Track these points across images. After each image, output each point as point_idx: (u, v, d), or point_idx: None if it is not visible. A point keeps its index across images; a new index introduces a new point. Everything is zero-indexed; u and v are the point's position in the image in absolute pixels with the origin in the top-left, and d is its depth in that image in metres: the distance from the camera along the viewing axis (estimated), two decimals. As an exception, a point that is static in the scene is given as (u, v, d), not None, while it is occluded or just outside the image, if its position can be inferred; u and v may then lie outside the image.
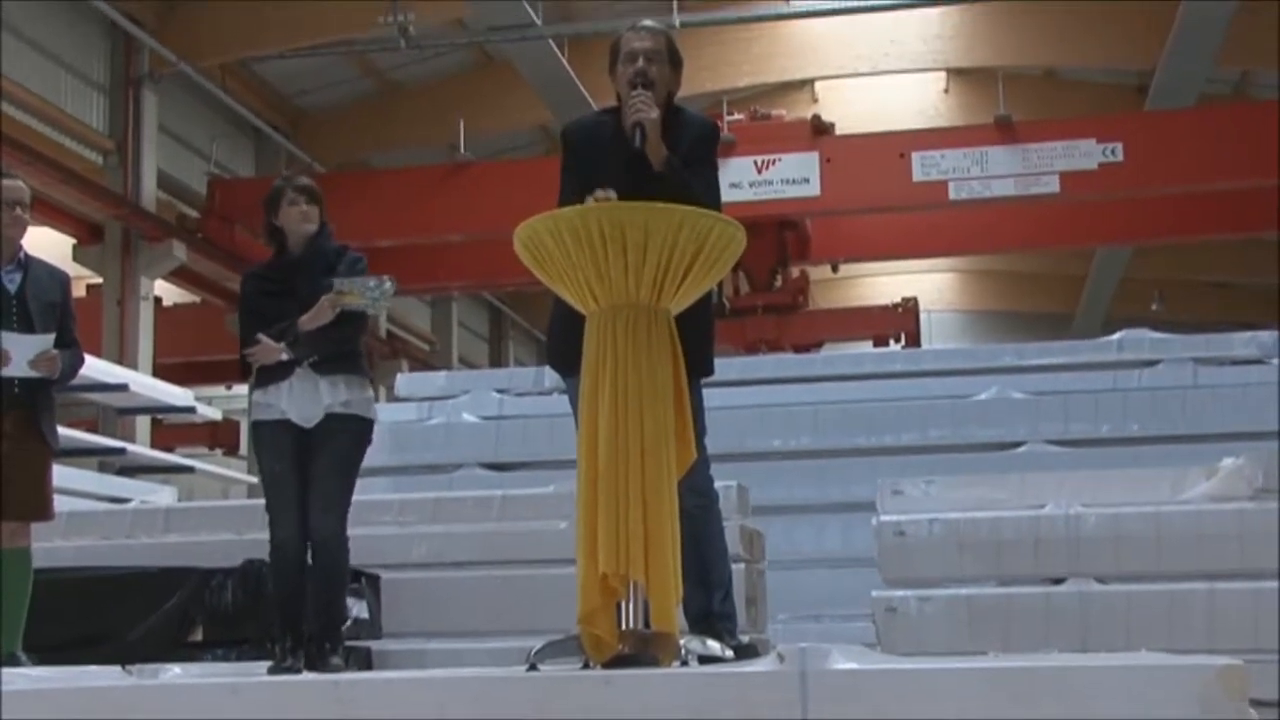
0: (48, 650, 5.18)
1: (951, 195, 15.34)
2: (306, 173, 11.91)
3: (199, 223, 16.52)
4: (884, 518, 5.79)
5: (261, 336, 5.00)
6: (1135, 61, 17.55)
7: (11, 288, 5.13)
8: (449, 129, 17.36)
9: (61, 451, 5.47)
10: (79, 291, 11.80)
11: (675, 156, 4.10)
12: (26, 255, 5.24)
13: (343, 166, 18.76)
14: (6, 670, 4.61)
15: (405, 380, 9.72)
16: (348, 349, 5.09)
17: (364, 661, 5.87)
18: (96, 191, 14.48)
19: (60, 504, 5.37)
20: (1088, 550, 5.48)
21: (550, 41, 15.40)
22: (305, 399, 5.00)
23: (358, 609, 5.87)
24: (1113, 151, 14.80)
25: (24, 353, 5.00)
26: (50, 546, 5.81)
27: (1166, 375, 8.46)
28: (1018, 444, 8.15)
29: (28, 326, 5.08)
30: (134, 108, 15.40)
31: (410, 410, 9.10)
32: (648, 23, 4.36)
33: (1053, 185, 15.05)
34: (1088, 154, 14.85)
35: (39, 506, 5.17)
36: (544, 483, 6.99)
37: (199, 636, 5.82)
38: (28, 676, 3.73)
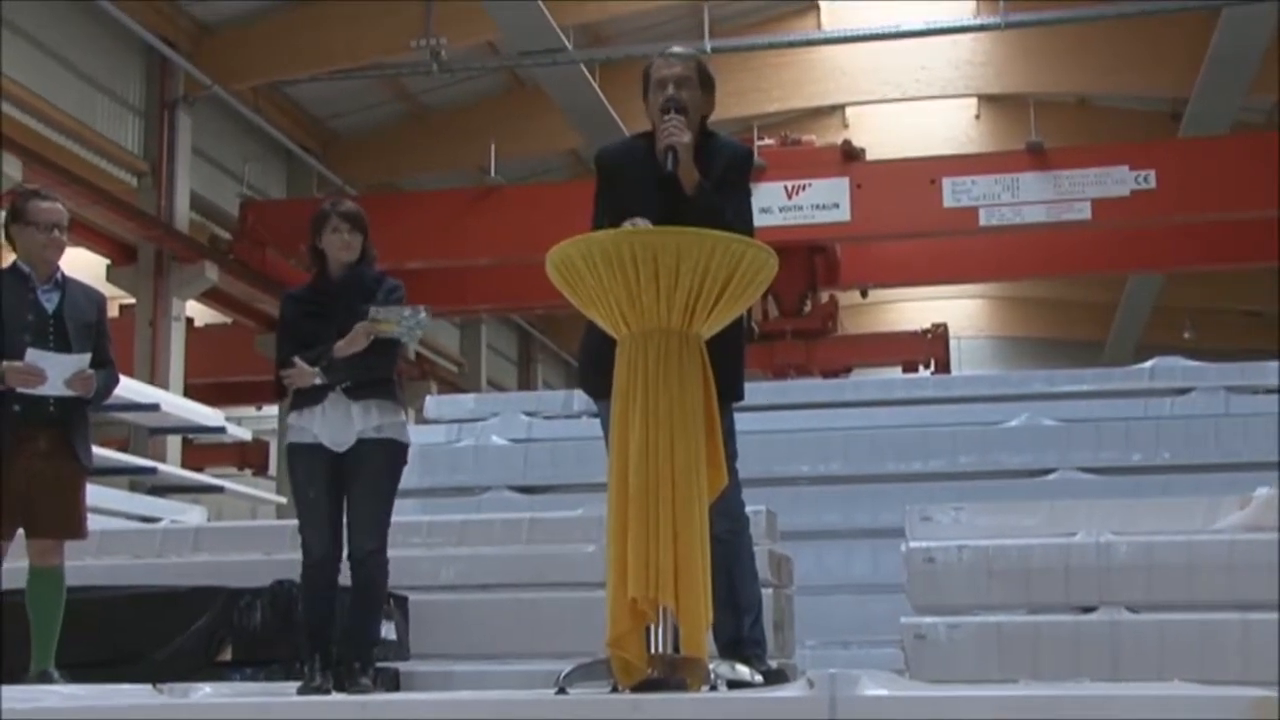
0: (79, 668, 5.20)
1: (982, 221, 15.31)
2: (346, 196, 11.96)
3: (231, 244, 16.64)
4: (913, 544, 5.77)
5: (296, 360, 5.02)
6: (1169, 89, 17.50)
7: (49, 308, 5.18)
8: (479, 152, 17.44)
9: (94, 470, 5.49)
10: (112, 312, 11.89)
11: (707, 181, 4.10)
12: (64, 276, 5.28)
13: (374, 189, 18.86)
14: (40, 688, 4.65)
15: (434, 402, 9.73)
16: (381, 375, 5.11)
17: (392, 683, 5.88)
18: (131, 213, 14.60)
19: (92, 523, 5.39)
20: (1119, 579, 5.44)
21: (581, 66, 15.48)
22: (337, 424, 5.02)
23: (386, 630, 5.88)
24: (1146, 179, 14.75)
25: (60, 372, 5.04)
26: (81, 565, 5.83)
27: (1199, 403, 8.40)
28: (1048, 471, 8.10)
29: (65, 346, 5.12)
30: (168, 130, 15.54)
31: (439, 432, 9.11)
32: (678, 49, 4.37)
33: (1085, 212, 15.00)
34: (1120, 181, 14.81)
35: (72, 525, 5.20)
36: (572, 506, 6.99)
37: (228, 656, 5.83)
38: (60, 694, 3.76)
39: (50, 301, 5.19)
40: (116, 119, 15.14)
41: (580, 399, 8.76)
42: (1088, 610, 5.47)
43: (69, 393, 5.06)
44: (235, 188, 17.32)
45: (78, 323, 5.22)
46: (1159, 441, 8.12)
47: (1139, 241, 16.92)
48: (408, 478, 5.34)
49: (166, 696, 3.81)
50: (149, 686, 4.08)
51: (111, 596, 6.02)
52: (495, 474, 8.63)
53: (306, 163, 18.50)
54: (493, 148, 16.97)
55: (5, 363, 4.98)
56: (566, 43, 14.91)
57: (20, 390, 5.00)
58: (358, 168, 19.03)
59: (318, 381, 5.00)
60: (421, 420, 9.44)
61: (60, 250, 5.26)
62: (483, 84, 18.63)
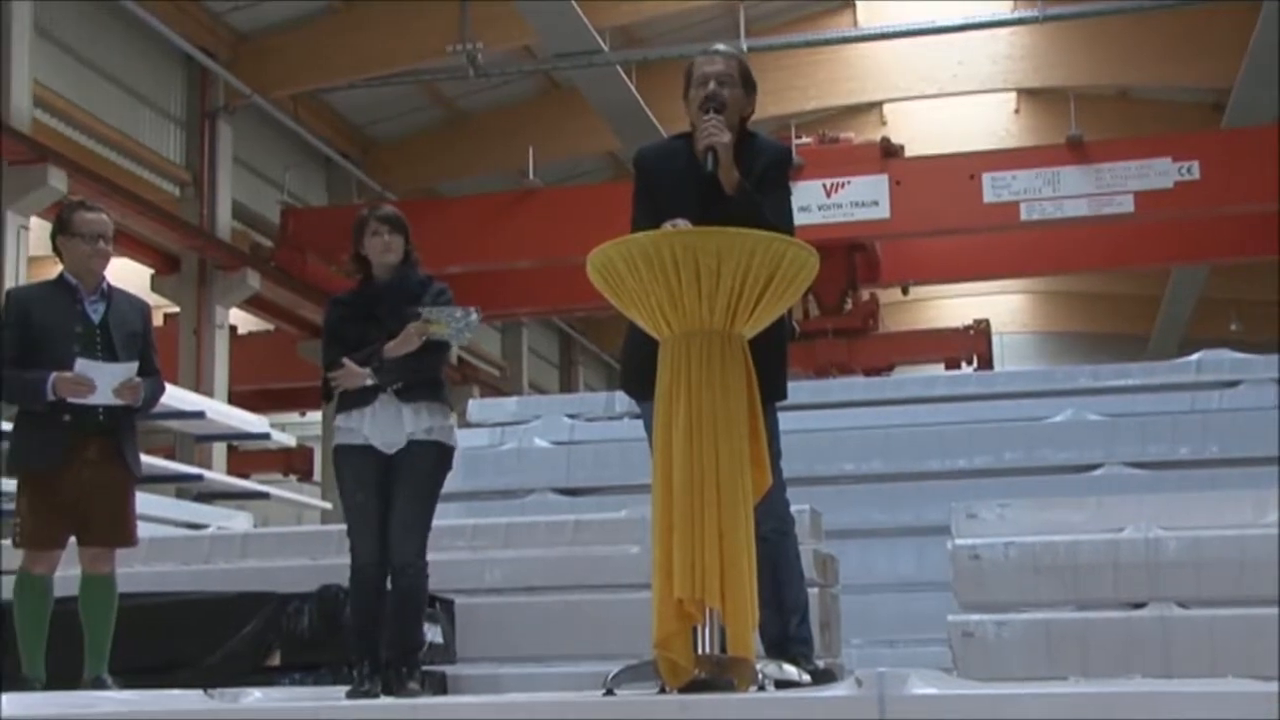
0: (131, 674, 5.25)
1: (1023, 216, 15.22)
2: (385, 201, 12.04)
3: (272, 252, 16.75)
4: (959, 541, 5.74)
5: (346, 361, 5.04)
6: (1211, 79, 17.34)
7: (95, 318, 5.23)
8: (517, 155, 17.48)
9: (142, 478, 5.54)
10: (157, 321, 11.99)
11: (747, 181, 4.09)
12: (109, 286, 5.34)
13: (413, 194, 18.94)
14: (94, 693, 4.70)
15: (477, 406, 9.76)
16: (430, 376, 5.13)
17: (439, 686, 5.89)
18: (174, 222, 14.72)
19: (140, 530, 5.44)
20: (1168, 574, 5.40)
21: (618, 67, 15.49)
22: (388, 425, 5.04)
23: (432, 634, 5.90)
24: (1189, 170, 14.62)
25: (108, 381, 5.09)
26: (131, 572, 5.89)
27: (1247, 396, 8.31)
28: (1094, 466, 8.04)
29: (111, 356, 5.16)
30: (209, 140, 15.67)
31: (482, 436, 9.13)
32: (720, 47, 4.36)
33: (1127, 205, 14.89)
34: (1163, 173, 14.69)
35: (122, 532, 5.25)
36: (616, 508, 6.99)
37: (276, 661, 5.87)
38: (114, 699, 3.79)
39: (96, 312, 5.24)
40: (159, 130, 15.28)
41: (622, 400, 8.76)
42: (1137, 606, 5.42)
43: (118, 402, 5.11)
44: (276, 195, 17.43)
45: (123, 332, 5.27)
46: (1206, 435, 8.05)
47: (1183, 233, 16.77)
48: (452, 481, 5.36)
49: (218, 701, 3.85)
50: (200, 692, 4.12)
51: (162, 603, 6.07)
52: (539, 476, 8.64)
53: (346, 169, 18.61)
54: (530, 151, 17.00)
55: (55, 373, 5.03)
56: (602, 44, 14.92)
57: (70, 400, 5.05)
58: (397, 173, 19.12)
59: (368, 382, 5.02)
60: (465, 424, 9.47)
61: (106, 261, 5.31)
62: (519, 87, 18.68)
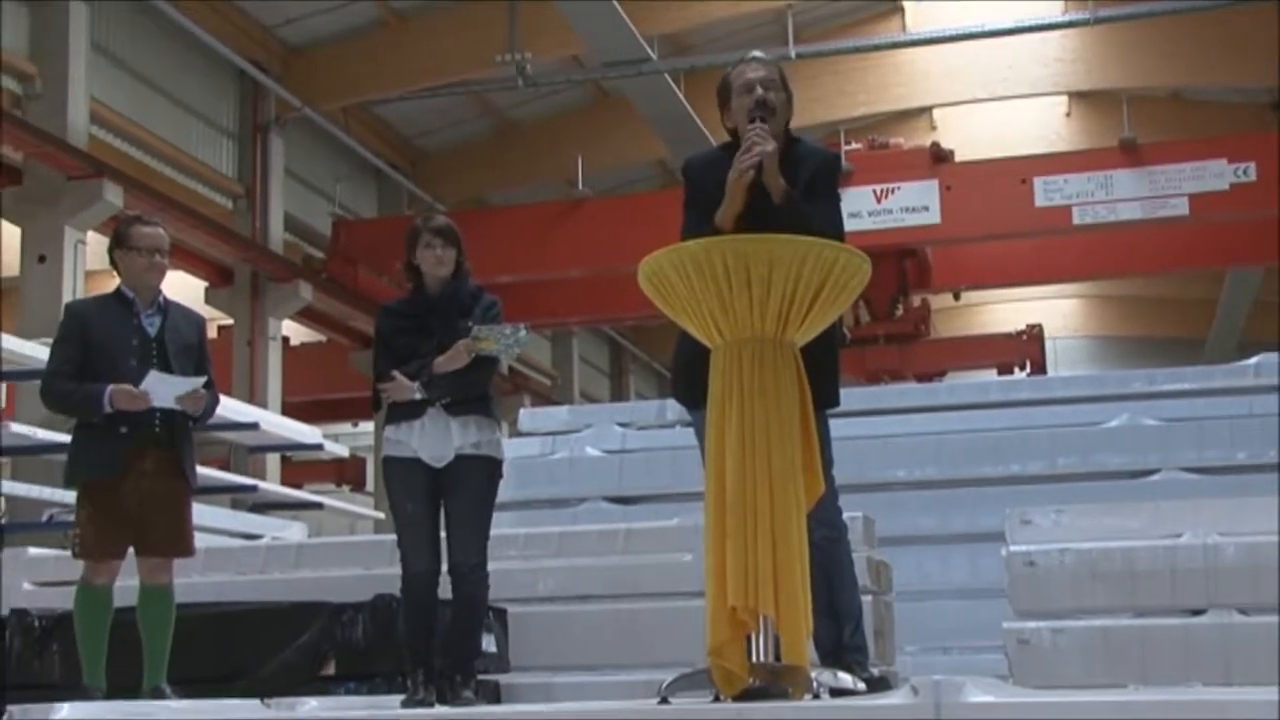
0: (189, 683, 5.30)
1: (1076, 220, 15.11)
2: (437, 212, 12.11)
3: (324, 263, 16.88)
4: (1014, 548, 5.68)
5: (396, 374, 5.07)
6: (1266, 79, 17.14)
7: (151, 331, 5.28)
8: (566, 165, 17.54)
9: (198, 489, 5.60)
10: (211, 333, 12.12)
11: (794, 189, 4.07)
12: (166, 299, 5.39)
13: (463, 205, 19.03)
14: (153, 703, 4.75)
15: (528, 415, 9.79)
16: (478, 392, 5.16)
17: (493, 695, 5.91)
18: (227, 235, 14.87)
19: (197, 540, 5.49)
20: (1227, 580, 5.32)
21: (666, 76, 15.50)
22: (437, 439, 5.06)
23: (486, 643, 5.92)
24: (1245, 171, 14.46)
25: (171, 390, 5.14)
26: (189, 582, 5.94)
27: (1306, 399, 8.20)
28: (1151, 472, 7.95)
29: (166, 368, 5.21)
30: (261, 152, 15.83)
31: (534, 445, 9.15)
32: (756, 54, 4.35)
33: (1181, 208, 14.75)
34: (1219, 175, 14.54)
35: (180, 543, 5.30)
36: (668, 515, 6.99)
37: (331, 670, 5.90)
38: (173, 709, 3.83)
39: (153, 325, 5.29)
40: (211, 143, 15.44)
41: (673, 408, 8.76)
42: (1197, 613, 5.35)
43: (176, 406, 5.16)
44: (327, 207, 17.57)
45: (178, 345, 5.32)
46: (1264, 439, 7.94)
47: (1238, 234, 16.57)
48: (504, 490, 5.38)
49: (275, 711, 3.88)
50: (257, 701, 4.15)
51: (219, 613, 6.12)
52: (590, 485, 8.65)
53: (396, 181, 18.73)
54: (579, 160, 17.05)
55: (112, 385, 5.09)
56: (651, 53, 14.94)
57: (127, 411, 5.10)
58: (447, 184, 19.22)
59: (417, 396, 5.05)
60: (516, 433, 9.50)
61: (162, 274, 5.37)
62: (568, 97, 18.74)
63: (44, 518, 11.14)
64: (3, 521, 11.94)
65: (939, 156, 15.81)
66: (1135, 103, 17.21)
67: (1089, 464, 8.14)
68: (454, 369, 5.06)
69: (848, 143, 16.07)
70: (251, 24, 15.53)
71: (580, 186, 17.08)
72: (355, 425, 20.68)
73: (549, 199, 17.97)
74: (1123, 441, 8.17)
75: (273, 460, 15.15)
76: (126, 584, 5.28)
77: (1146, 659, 5.26)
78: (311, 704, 4.01)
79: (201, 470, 6.28)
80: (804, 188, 4.09)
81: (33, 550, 7.31)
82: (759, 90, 4.09)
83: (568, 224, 16.39)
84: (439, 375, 5.05)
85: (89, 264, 12.40)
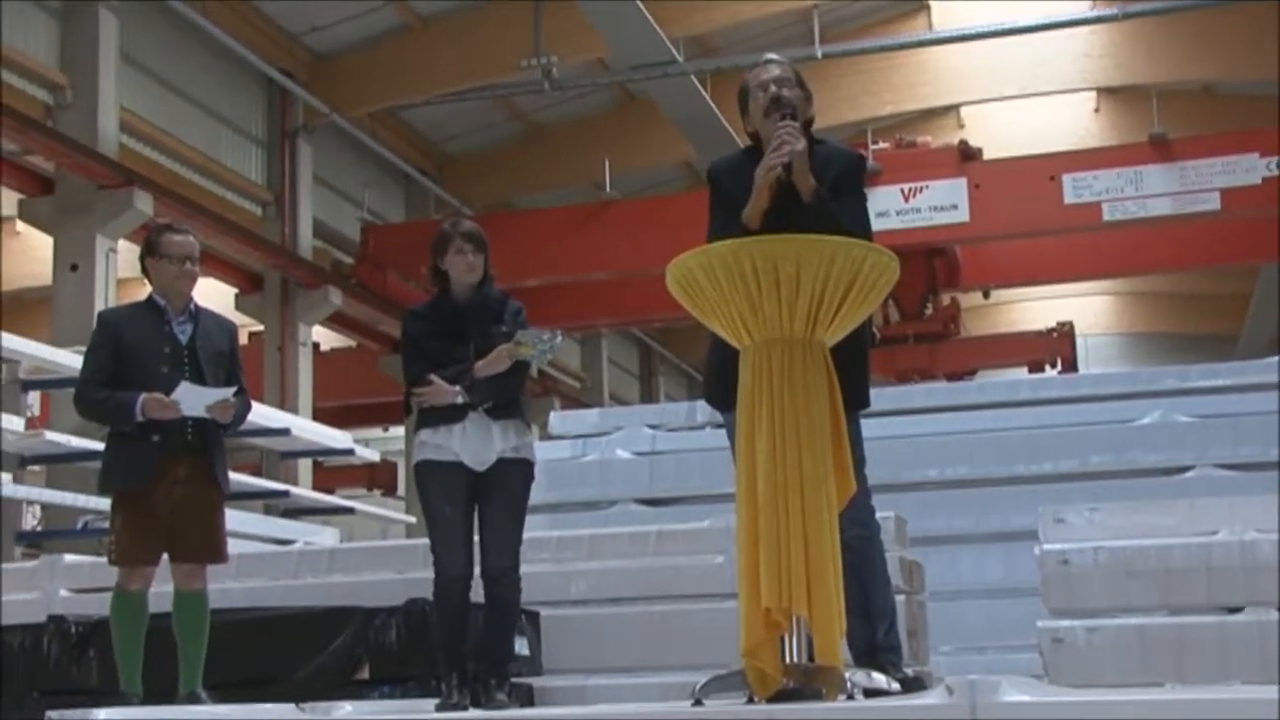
0: (224, 688, 5.32)
1: (1105, 216, 15.04)
2: (464, 216, 12.14)
3: (353, 269, 16.95)
4: (1047, 546, 5.65)
5: (434, 378, 5.09)
6: (1297, 72, 17.01)
7: (183, 338, 5.30)
8: (593, 168, 17.56)
9: (230, 495, 5.62)
10: (241, 339, 12.17)
11: (823, 188, 4.07)
12: (197, 307, 5.41)
13: (490, 208, 19.07)
14: (189, 708, 4.78)
15: (558, 418, 9.79)
16: (515, 396, 5.19)
17: (526, 698, 5.92)
18: (256, 242, 14.95)
19: (230, 546, 5.51)
20: (1265, 578, 5.28)
21: (692, 77, 15.50)
22: (479, 443, 5.08)
23: (519, 646, 5.92)
24: (1277, 165, 14.35)
25: (201, 400, 5.16)
26: (223, 588, 5.97)
27: (1341, 395, 8.13)
28: (1184, 469, 7.90)
29: (198, 376, 5.23)
30: (289, 159, 15.91)
31: (564, 448, 9.16)
32: (771, 56, 4.36)
33: (1213, 202, 14.66)
34: (1250, 169, 14.44)
35: (213, 549, 5.32)
36: (699, 517, 6.98)
37: (365, 674, 5.92)
38: (208, 714, 3.84)
39: (184, 333, 5.31)
40: (240, 151, 15.53)
41: (703, 410, 8.75)
42: (1233, 611, 5.31)
43: (205, 414, 5.18)
44: (355, 213, 17.64)
45: (210, 352, 5.34)
46: (1299, 435, 7.88)
47: (1271, 229, 16.45)
48: (535, 493, 5.38)
49: (310, 715, 3.89)
50: (292, 705, 4.16)
51: (253, 618, 6.15)
52: (621, 487, 8.65)
53: (424, 185, 18.79)
54: (606, 163, 17.07)
55: (144, 395, 5.11)
56: (676, 55, 14.94)
57: (159, 419, 5.13)
58: (474, 188, 19.27)
59: (459, 400, 5.07)
60: (546, 436, 9.51)
61: (193, 282, 5.39)
62: (594, 100, 18.76)
63: (79, 525, 11.23)
64: (38, 529, 12.04)
65: (967, 154, 15.76)
66: (1164, 97, 17.12)
67: (1122, 462, 8.09)
68: (495, 373, 5.08)
69: (875, 142, 16.03)
70: (278, 32, 15.61)
71: (608, 189, 17.10)
72: (386, 430, 20.74)
73: (575, 202, 18.00)
74: (1156, 439, 8.12)
75: (304, 465, 15.22)
76: (162, 590, 5.31)
77: (1183, 657, 5.22)
78: (346, 708, 4.03)
79: (234, 476, 6.30)
80: (830, 187, 4.09)
81: (69, 557, 7.35)
82: (773, 88, 4.10)
83: (595, 227, 16.41)
84: (480, 380, 5.07)
85: (120, 272, 12.49)
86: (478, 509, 5.10)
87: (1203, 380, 8.70)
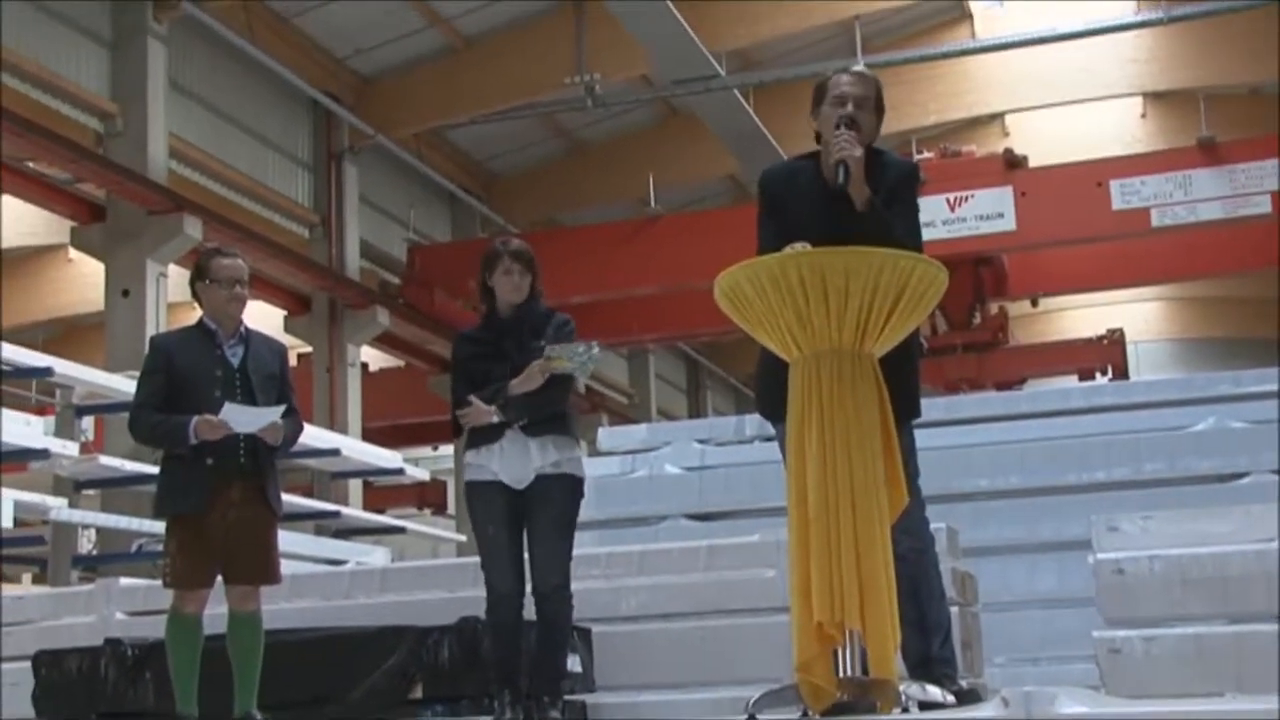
0: (279, 709, 5.35)
1: (1154, 222, 14.91)
2: (510, 234, 12.20)
3: (400, 289, 17.04)
4: (1101, 555, 5.59)
5: (473, 399, 5.10)
6: (1346, 71, 16.82)
7: (235, 361, 5.35)
8: (638, 183, 17.59)
9: (282, 516, 5.65)
10: (290, 361, 12.26)
11: (877, 197, 4.06)
12: (247, 330, 5.46)
13: (535, 226, 19.14)
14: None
15: (606, 434, 9.79)
16: (556, 411, 5.16)
17: (579, 715, 5.91)
18: (304, 264, 15.07)
19: (283, 567, 5.54)
20: (1325, 584, 5.20)
21: (735, 91, 15.50)
22: (516, 461, 5.08)
23: (572, 663, 5.92)
24: (1327, 167, 14.21)
25: (249, 419, 5.21)
26: (276, 609, 6.00)
27: (1399, 397, 8.02)
28: (1240, 475, 7.80)
29: (249, 398, 5.28)
30: (336, 181, 16.04)
31: (613, 464, 9.15)
32: (860, 68, 4.35)
33: (1264, 205, 14.51)
34: (1301, 171, 14.29)
35: (267, 571, 5.35)
36: (749, 531, 6.95)
37: (419, 694, 5.93)
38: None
39: (235, 356, 5.36)
40: (287, 174, 15.67)
41: (752, 423, 8.73)
42: (1293, 618, 5.23)
43: (254, 431, 5.22)
44: (401, 233, 17.74)
45: (261, 375, 5.38)
46: (1357, 439, 7.76)
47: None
48: (584, 510, 5.38)
49: (364, 734, 3.90)
50: (347, 725, 4.18)
51: (306, 639, 6.17)
52: (671, 502, 8.63)
53: (469, 204, 18.88)
54: (651, 178, 17.09)
55: (197, 417, 5.16)
56: (719, 69, 14.95)
57: (212, 441, 5.17)
58: (519, 206, 19.35)
59: (495, 419, 5.07)
60: (595, 452, 9.52)
61: (243, 305, 5.43)
62: (638, 115, 18.80)
63: (133, 548, 11.34)
64: (94, 552, 12.16)
65: (1012, 162, 15.68)
66: (1212, 101, 16.97)
67: (1176, 469, 8.00)
68: (529, 390, 5.07)
69: (919, 151, 16.01)
70: (323, 55, 15.75)
71: (652, 204, 17.12)
72: (435, 449, 20.83)
73: (620, 218, 18.05)
74: (1210, 445, 8.02)
75: (355, 486, 15.30)
76: (216, 612, 5.35)
77: (1243, 666, 5.14)
78: (400, 727, 4.04)
79: (286, 497, 6.33)
80: (885, 197, 4.08)
81: (124, 580, 7.42)
82: (849, 106, 4.10)
83: (641, 242, 16.43)
84: (514, 397, 5.07)
85: (171, 296, 12.62)
86: (525, 527, 5.10)
87: (1256, 385, 8.59)
